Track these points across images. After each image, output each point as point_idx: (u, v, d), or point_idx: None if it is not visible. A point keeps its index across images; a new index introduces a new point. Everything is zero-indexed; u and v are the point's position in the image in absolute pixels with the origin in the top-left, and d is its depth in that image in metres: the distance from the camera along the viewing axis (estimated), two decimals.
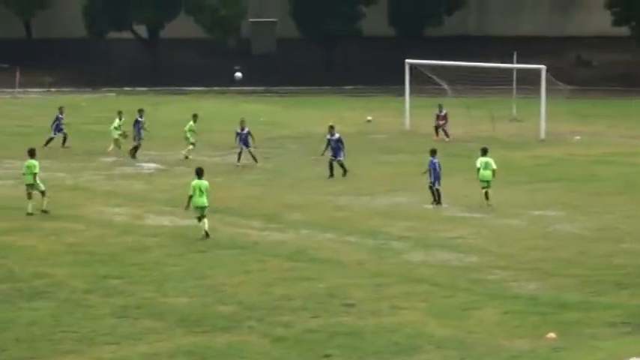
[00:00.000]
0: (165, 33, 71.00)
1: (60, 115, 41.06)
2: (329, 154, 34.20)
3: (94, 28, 69.81)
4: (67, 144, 40.44)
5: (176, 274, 21.78)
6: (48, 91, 64.89)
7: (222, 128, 42.47)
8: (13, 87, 61.95)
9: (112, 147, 39.31)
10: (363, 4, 70.55)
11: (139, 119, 38.92)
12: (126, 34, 71.05)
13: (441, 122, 43.16)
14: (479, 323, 18.42)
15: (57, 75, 67.76)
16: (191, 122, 38.98)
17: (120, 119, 39.68)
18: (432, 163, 29.27)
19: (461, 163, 35.45)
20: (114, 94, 63.63)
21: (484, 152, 29.76)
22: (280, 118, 49.67)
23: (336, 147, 34.12)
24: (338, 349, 17.15)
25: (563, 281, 21.02)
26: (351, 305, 19.52)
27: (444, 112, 43.38)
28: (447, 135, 42.77)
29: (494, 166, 29.24)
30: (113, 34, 70.51)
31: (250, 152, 36.52)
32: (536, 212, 27.98)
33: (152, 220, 27.06)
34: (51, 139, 40.15)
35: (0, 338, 17.71)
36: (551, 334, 16.88)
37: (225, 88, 63.11)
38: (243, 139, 36.51)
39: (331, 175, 33.86)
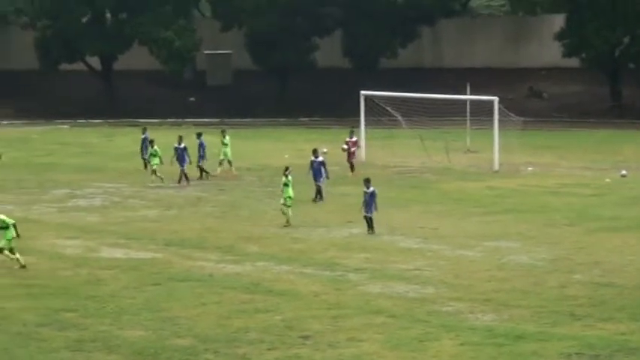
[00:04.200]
0: (118, 64, 70.75)
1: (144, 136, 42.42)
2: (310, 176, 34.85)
3: (47, 59, 69.40)
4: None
5: (132, 307, 21.59)
6: None
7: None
8: None
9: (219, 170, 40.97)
10: (318, 36, 70.87)
11: (178, 146, 39.76)
12: (79, 66, 70.73)
13: (352, 149, 42.28)
14: (436, 355, 18.43)
15: (8, 107, 67.19)
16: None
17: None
18: (365, 193, 29.55)
19: (416, 195, 35.60)
20: (67, 126, 63.20)
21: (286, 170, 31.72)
22: (235, 149, 49.55)
23: (317, 170, 34.68)
24: None
25: (518, 312, 21.12)
26: (308, 337, 19.46)
27: (354, 138, 43.04)
28: (352, 169, 41.46)
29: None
30: (66, 66, 70.14)
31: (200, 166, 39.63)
32: (491, 243, 28.12)
33: (106, 253, 26.82)
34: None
35: None
36: None
37: (180, 119, 62.94)
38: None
39: (316, 199, 34.64)
